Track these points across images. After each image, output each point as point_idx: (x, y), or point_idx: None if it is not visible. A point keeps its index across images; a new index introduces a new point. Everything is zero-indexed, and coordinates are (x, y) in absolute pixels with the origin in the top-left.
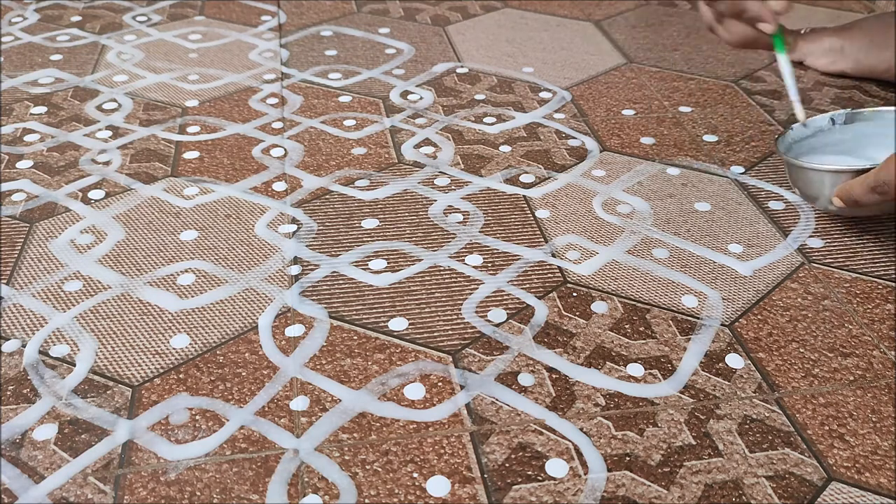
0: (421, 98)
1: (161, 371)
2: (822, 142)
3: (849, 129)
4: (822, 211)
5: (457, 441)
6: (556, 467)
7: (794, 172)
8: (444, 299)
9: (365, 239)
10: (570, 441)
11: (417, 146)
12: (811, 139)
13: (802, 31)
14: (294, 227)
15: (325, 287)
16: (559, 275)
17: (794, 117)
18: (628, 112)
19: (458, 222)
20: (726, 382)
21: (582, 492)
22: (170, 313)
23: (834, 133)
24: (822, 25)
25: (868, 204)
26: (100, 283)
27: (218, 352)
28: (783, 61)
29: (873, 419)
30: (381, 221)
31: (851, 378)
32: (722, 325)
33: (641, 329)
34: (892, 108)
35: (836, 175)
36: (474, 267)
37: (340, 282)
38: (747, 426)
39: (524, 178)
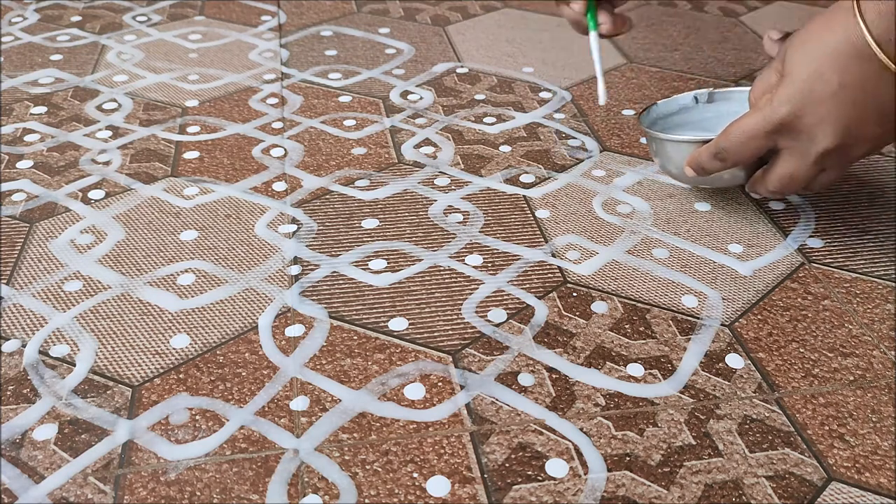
0: (421, 98)
1: (161, 371)
2: (686, 119)
3: (711, 107)
4: (679, 181)
5: (457, 441)
6: (556, 467)
7: (652, 144)
8: (444, 299)
9: (365, 239)
10: (570, 441)
11: (417, 146)
12: (675, 116)
13: None
14: (294, 227)
15: (325, 287)
16: (559, 275)
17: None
18: (628, 112)
19: (458, 222)
20: (726, 382)
21: (582, 492)
22: (170, 313)
23: (697, 111)
24: None
25: (712, 170)
26: (100, 283)
27: (218, 352)
28: (592, 38)
29: (873, 419)
30: (381, 221)
31: (851, 378)
32: (722, 325)
33: (641, 329)
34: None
35: (688, 145)
36: (474, 267)
37: (340, 282)
38: (747, 426)
39: (524, 178)
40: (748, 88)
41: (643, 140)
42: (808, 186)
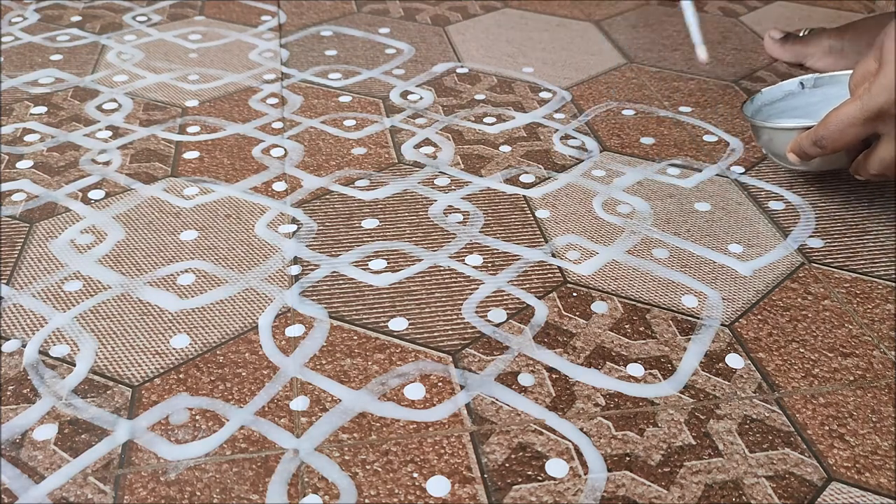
0: (421, 98)
1: (161, 371)
2: (791, 105)
3: (818, 91)
4: (784, 165)
5: (457, 441)
6: (556, 467)
7: (756, 132)
8: (444, 299)
9: (365, 239)
10: (570, 441)
11: (417, 146)
12: (780, 102)
13: (802, 33)
14: (294, 227)
15: (325, 287)
16: (559, 275)
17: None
18: (628, 112)
19: (458, 222)
20: (726, 382)
21: (582, 492)
22: (170, 313)
23: (803, 96)
24: (821, 26)
25: (813, 156)
26: (100, 283)
27: (218, 352)
28: (686, 5)
29: (873, 419)
30: (381, 221)
31: (851, 378)
32: (722, 325)
33: (641, 329)
34: None
35: (790, 132)
36: (474, 267)
37: (340, 282)
38: (747, 426)
39: (524, 178)
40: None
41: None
42: None
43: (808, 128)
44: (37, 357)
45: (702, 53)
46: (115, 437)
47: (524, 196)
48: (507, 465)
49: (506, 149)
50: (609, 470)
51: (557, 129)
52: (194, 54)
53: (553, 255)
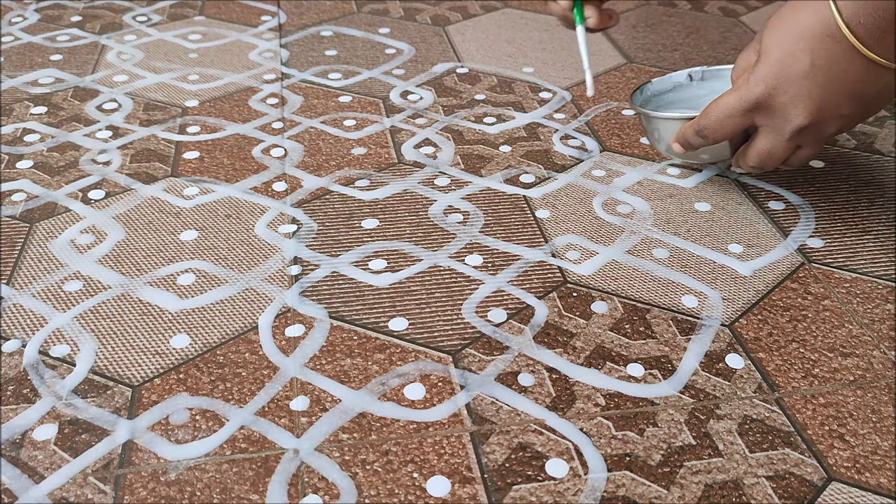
0: (421, 98)
1: (161, 371)
2: (680, 97)
3: (706, 84)
4: (670, 156)
5: (457, 441)
6: (556, 467)
7: (644, 121)
8: (444, 299)
9: (365, 239)
10: (570, 441)
11: (417, 146)
12: (669, 94)
13: None
14: (294, 227)
15: (325, 287)
16: (559, 275)
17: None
18: (628, 112)
19: (458, 222)
20: (726, 382)
21: (582, 492)
22: (170, 313)
23: (691, 88)
24: None
25: (697, 146)
26: (100, 283)
27: (218, 352)
28: (579, 32)
29: (873, 419)
30: (381, 221)
31: (851, 378)
32: (722, 325)
33: (641, 329)
34: None
35: (676, 122)
36: (474, 267)
37: (340, 282)
38: (747, 426)
39: (524, 178)
40: None
41: (630, 112)
42: (788, 162)
43: (691, 118)
44: (37, 357)
45: (589, 87)
46: (115, 437)
47: (524, 196)
48: (507, 465)
49: (506, 149)
50: (609, 470)
51: (557, 129)
52: (194, 54)
53: (553, 255)
